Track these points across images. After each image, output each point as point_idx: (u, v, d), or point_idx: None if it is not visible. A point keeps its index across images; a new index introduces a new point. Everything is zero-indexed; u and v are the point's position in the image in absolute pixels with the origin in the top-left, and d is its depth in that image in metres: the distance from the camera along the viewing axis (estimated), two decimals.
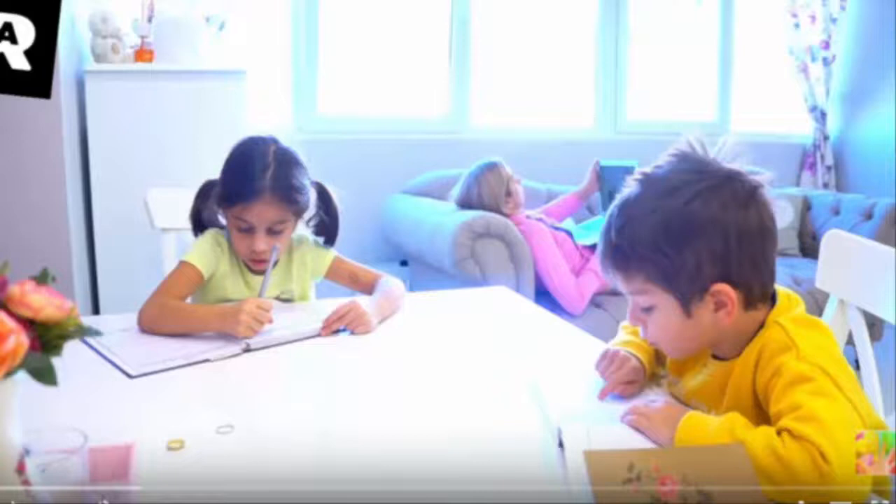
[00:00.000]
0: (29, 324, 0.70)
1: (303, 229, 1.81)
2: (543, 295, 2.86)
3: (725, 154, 1.14)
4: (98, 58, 2.73)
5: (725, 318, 1.10)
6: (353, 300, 1.64)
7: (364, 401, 1.28)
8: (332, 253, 1.85)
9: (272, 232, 1.66)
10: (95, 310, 2.68)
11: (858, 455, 0.89)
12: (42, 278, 0.76)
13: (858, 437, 0.90)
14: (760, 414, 1.07)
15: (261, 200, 1.62)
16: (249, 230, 1.65)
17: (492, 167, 3.03)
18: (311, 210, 1.75)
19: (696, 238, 1.08)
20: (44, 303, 0.71)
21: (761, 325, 1.13)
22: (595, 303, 2.98)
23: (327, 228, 1.81)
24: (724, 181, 1.11)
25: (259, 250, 1.64)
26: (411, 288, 3.49)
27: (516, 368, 1.41)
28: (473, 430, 1.15)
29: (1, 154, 2.33)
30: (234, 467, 1.02)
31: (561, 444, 1.05)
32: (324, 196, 1.78)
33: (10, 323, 0.65)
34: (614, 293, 3.07)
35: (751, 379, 1.10)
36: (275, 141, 1.71)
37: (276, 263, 1.69)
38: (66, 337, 0.72)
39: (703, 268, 1.09)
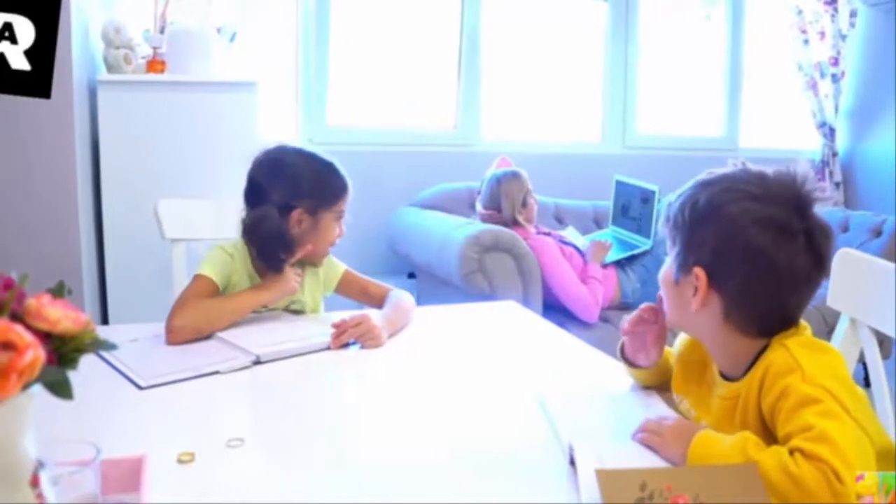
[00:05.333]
0: (45, 337, 0.70)
1: None
2: (551, 309, 2.86)
3: (815, 195, 1.13)
4: (110, 68, 2.74)
5: (695, 305, 1.15)
6: (363, 313, 1.65)
7: (373, 415, 1.28)
8: (343, 266, 1.87)
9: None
10: (104, 319, 2.68)
11: (858, 496, 0.89)
12: (58, 291, 0.76)
13: (859, 478, 0.90)
14: (767, 434, 1.07)
15: (349, 190, 1.81)
16: (339, 217, 1.81)
17: (516, 174, 3.12)
18: None
19: (708, 222, 1.14)
20: (60, 316, 0.71)
21: (765, 348, 1.13)
22: (603, 317, 2.98)
23: None
24: (780, 208, 1.11)
25: (341, 234, 1.81)
26: (419, 301, 3.48)
27: (526, 384, 1.41)
28: (483, 446, 1.15)
29: (13, 162, 2.34)
30: (244, 482, 1.02)
31: (572, 462, 1.05)
32: None
33: (28, 336, 0.65)
34: (622, 307, 3.07)
35: (756, 400, 1.10)
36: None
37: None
38: (82, 350, 0.72)
39: (701, 249, 1.14)
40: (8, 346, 0.64)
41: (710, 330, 1.17)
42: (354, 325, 1.60)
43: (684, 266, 1.17)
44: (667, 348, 1.36)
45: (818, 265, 1.12)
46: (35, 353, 0.64)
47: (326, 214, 1.77)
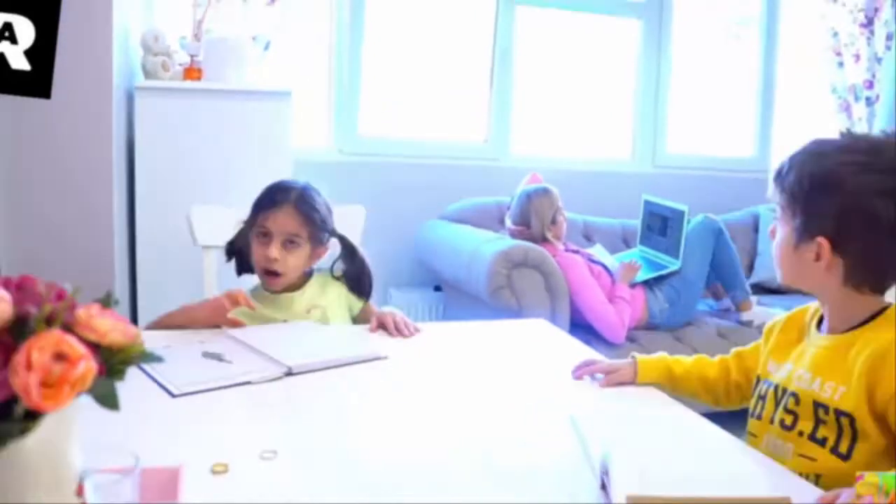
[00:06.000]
0: (94, 348, 0.70)
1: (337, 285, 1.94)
2: (578, 327, 2.85)
3: None
4: (148, 74, 2.77)
5: (818, 271, 1.24)
6: (388, 312, 1.79)
7: (406, 430, 1.28)
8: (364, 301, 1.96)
9: (287, 244, 1.80)
10: (134, 323, 2.70)
11: (858, 497, 0.89)
12: (106, 301, 0.77)
13: (858, 478, 0.89)
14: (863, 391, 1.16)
15: (282, 209, 1.79)
16: (267, 237, 1.79)
17: (546, 191, 3.12)
18: (331, 251, 1.92)
19: (830, 194, 1.21)
20: (109, 328, 0.72)
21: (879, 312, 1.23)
22: (630, 337, 2.96)
23: (358, 280, 1.92)
24: None
25: (271, 256, 1.78)
26: (445, 314, 3.49)
27: (556, 403, 1.40)
28: (514, 464, 1.15)
29: (51, 165, 2.37)
30: (278, 494, 1.02)
31: (603, 486, 1.04)
32: (347, 246, 1.92)
33: (81, 348, 0.66)
34: (649, 328, 3.06)
35: (866, 365, 1.17)
36: (309, 184, 1.90)
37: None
38: (129, 362, 0.73)
39: (823, 220, 1.22)
40: (61, 357, 0.64)
41: (831, 288, 1.26)
42: (388, 321, 1.77)
43: (806, 235, 1.24)
44: (662, 356, 1.52)
45: None
46: (87, 365, 0.65)
47: (252, 231, 1.83)
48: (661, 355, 1.55)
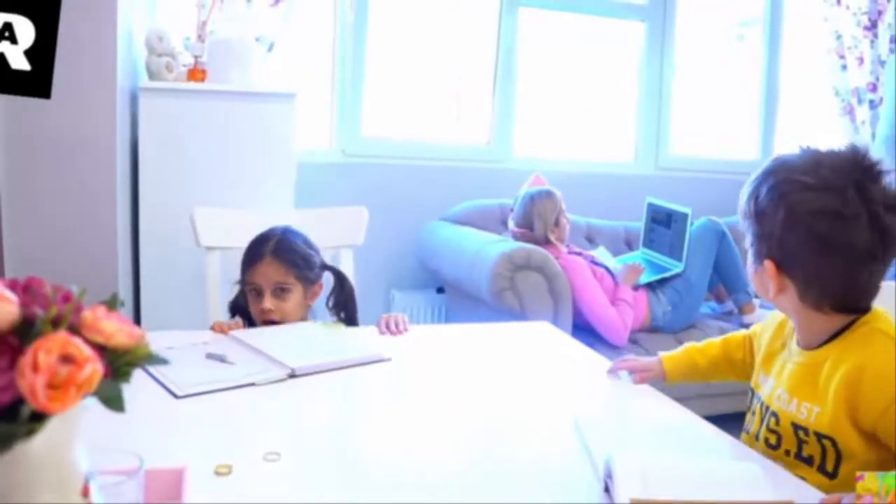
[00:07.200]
0: (100, 350, 0.70)
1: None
2: (580, 330, 2.85)
3: (878, 168, 1.17)
4: (152, 75, 2.77)
5: (772, 292, 1.24)
6: (386, 317, 1.83)
7: (408, 432, 1.28)
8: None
9: (278, 293, 1.85)
10: (136, 324, 2.70)
11: (858, 497, 0.90)
12: (111, 303, 0.77)
13: (858, 478, 0.89)
14: (841, 408, 1.15)
15: (263, 262, 1.86)
16: (259, 292, 1.85)
17: (550, 193, 3.12)
18: (324, 287, 1.97)
19: (770, 215, 1.20)
20: (115, 329, 0.72)
21: (851, 323, 1.21)
22: (632, 339, 2.96)
23: (346, 307, 1.97)
24: (834, 194, 1.14)
25: (266, 308, 1.84)
26: (447, 316, 3.49)
27: (559, 406, 1.40)
28: (518, 467, 1.15)
29: (55, 165, 2.37)
30: (281, 496, 1.02)
31: (606, 489, 1.04)
32: (338, 276, 1.99)
33: (87, 350, 0.66)
34: (651, 330, 3.06)
35: (842, 386, 1.15)
36: (289, 228, 1.96)
37: None
38: (134, 364, 0.73)
39: (769, 242, 1.22)
40: (67, 359, 0.64)
41: (791, 308, 1.26)
42: (388, 323, 1.82)
43: (757, 257, 1.25)
44: (688, 347, 1.55)
45: (884, 239, 1.15)
46: (94, 368, 0.65)
47: (245, 288, 1.89)
48: (687, 347, 1.56)
